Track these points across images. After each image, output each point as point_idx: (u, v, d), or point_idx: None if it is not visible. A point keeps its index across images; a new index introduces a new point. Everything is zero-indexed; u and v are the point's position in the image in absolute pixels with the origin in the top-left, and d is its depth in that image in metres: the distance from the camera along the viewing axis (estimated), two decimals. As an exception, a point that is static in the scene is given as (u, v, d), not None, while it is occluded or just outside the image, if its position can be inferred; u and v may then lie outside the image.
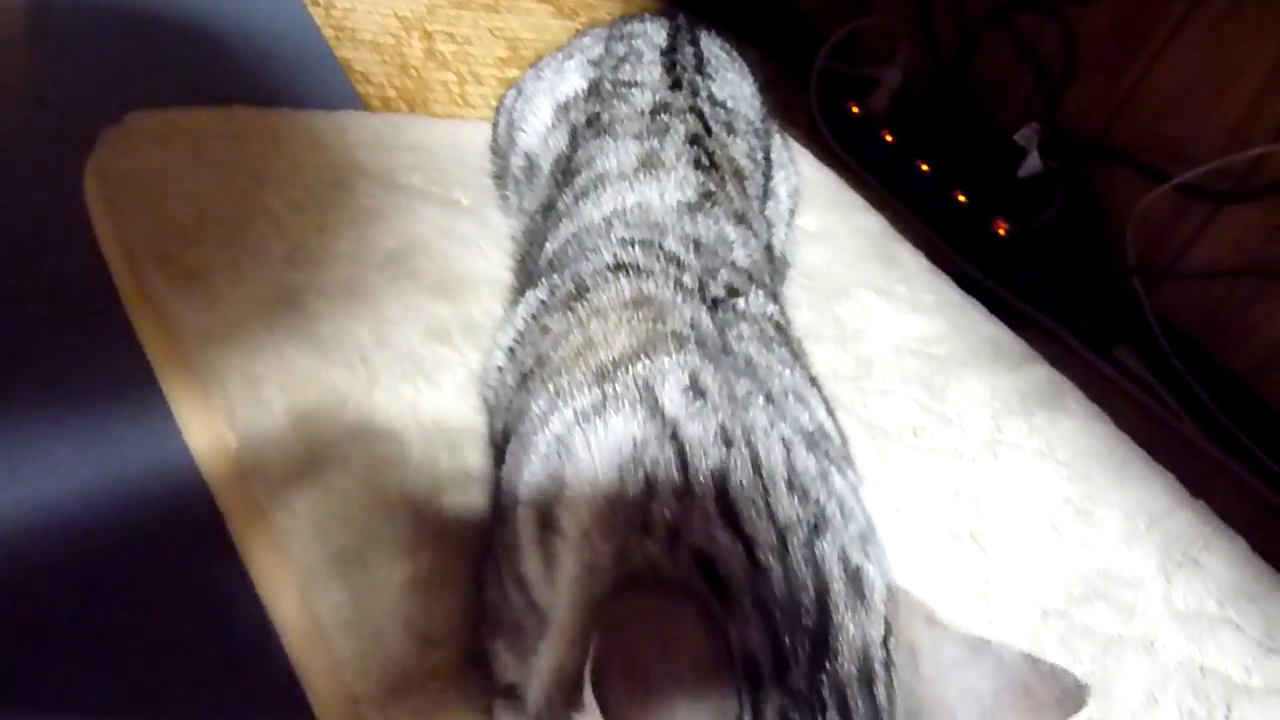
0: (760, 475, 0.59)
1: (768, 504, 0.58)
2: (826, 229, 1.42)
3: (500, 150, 1.12)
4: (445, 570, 0.74)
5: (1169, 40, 1.46)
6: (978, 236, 1.56)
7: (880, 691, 0.52)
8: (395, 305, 0.94)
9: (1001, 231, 1.55)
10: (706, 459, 0.59)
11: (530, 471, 0.64)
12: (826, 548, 0.57)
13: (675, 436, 0.61)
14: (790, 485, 0.60)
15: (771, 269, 0.94)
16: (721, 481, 0.59)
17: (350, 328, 0.89)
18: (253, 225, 0.95)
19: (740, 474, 0.59)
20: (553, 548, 0.61)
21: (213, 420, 0.78)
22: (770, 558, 0.55)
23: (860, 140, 1.71)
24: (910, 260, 1.44)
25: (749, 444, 0.61)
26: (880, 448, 1.10)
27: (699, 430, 0.61)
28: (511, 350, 0.78)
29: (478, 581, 0.70)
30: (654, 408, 0.63)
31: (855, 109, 1.75)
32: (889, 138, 1.70)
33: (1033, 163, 1.58)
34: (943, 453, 1.14)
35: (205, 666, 0.66)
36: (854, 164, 1.67)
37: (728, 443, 0.61)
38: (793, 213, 1.19)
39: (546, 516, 0.62)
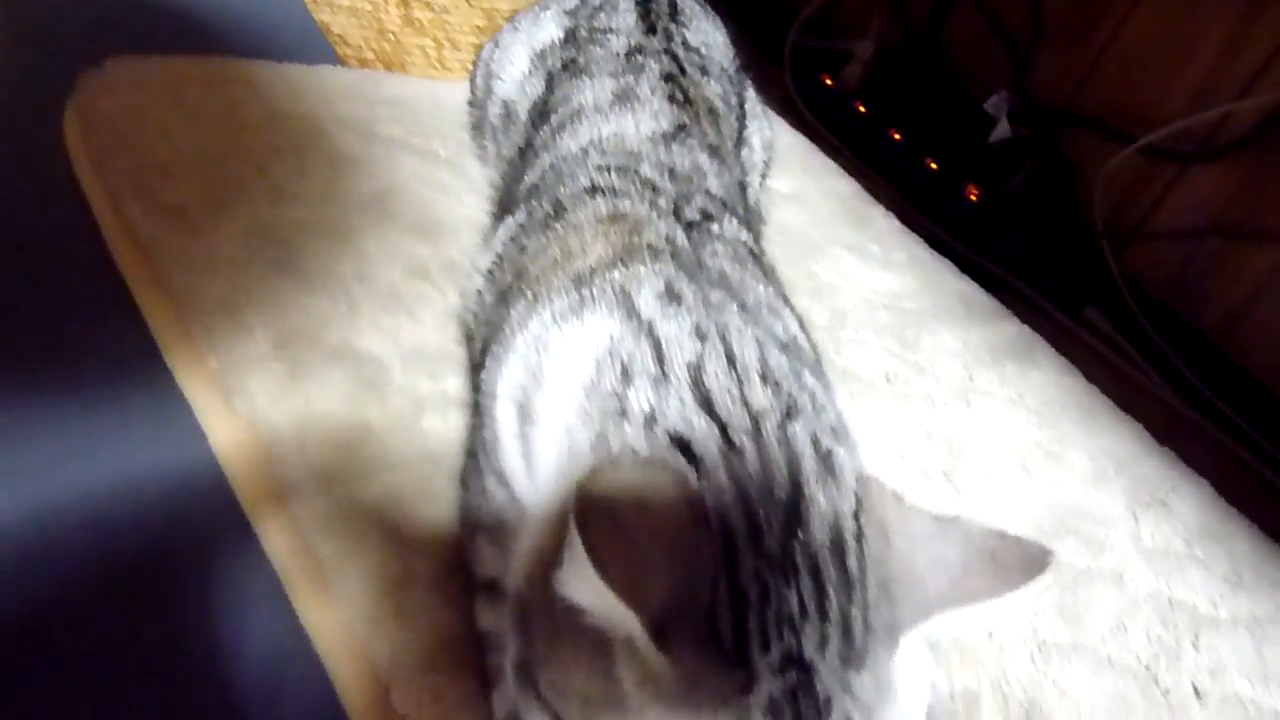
0: (734, 367, 0.61)
1: (742, 393, 0.60)
2: (800, 192, 1.44)
3: (478, 101, 1.14)
4: (425, 487, 0.75)
5: (1132, 6, 1.50)
6: (949, 202, 1.59)
7: (851, 561, 0.54)
8: (375, 244, 0.95)
9: (973, 197, 1.58)
10: (682, 352, 0.61)
11: (509, 369, 0.65)
12: (799, 430, 0.58)
13: (651, 333, 0.62)
14: (764, 378, 0.61)
15: (744, 204, 0.96)
16: (696, 372, 0.60)
17: (331, 262, 0.90)
18: (232, 166, 0.95)
19: (714, 366, 0.61)
20: (531, 439, 0.62)
21: (194, 345, 0.79)
22: (744, 439, 0.57)
23: (834, 112, 1.73)
24: (882, 222, 1.47)
25: (723, 340, 0.62)
26: (854, 392, 1.12)
27: (674, 328, 0.63)
28: (490, 272, 0.79)
29: (459, 487, 0.71)
30: (630, 310, 0.65)
31: (829, 81, 1.77)
32: (862, 109, 1.73)
33: (1002, 130, 1.61)
34: (915, 399, 1.16)
35: (187, 569, 0.67)
36: (828, 135, 1.69)
37: (702, 338, 0.62)
38: (767, 165, 1.21)
39: (525, 410, 0.63)
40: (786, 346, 0.69)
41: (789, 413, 0.60)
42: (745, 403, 0.59)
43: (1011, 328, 1.36)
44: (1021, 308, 1.47)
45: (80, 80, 0.97)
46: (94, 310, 0.82)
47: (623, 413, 0.58)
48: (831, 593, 0.53)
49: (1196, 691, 0.94)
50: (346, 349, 0.81)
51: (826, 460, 0.58)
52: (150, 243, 0.83)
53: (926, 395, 1.18)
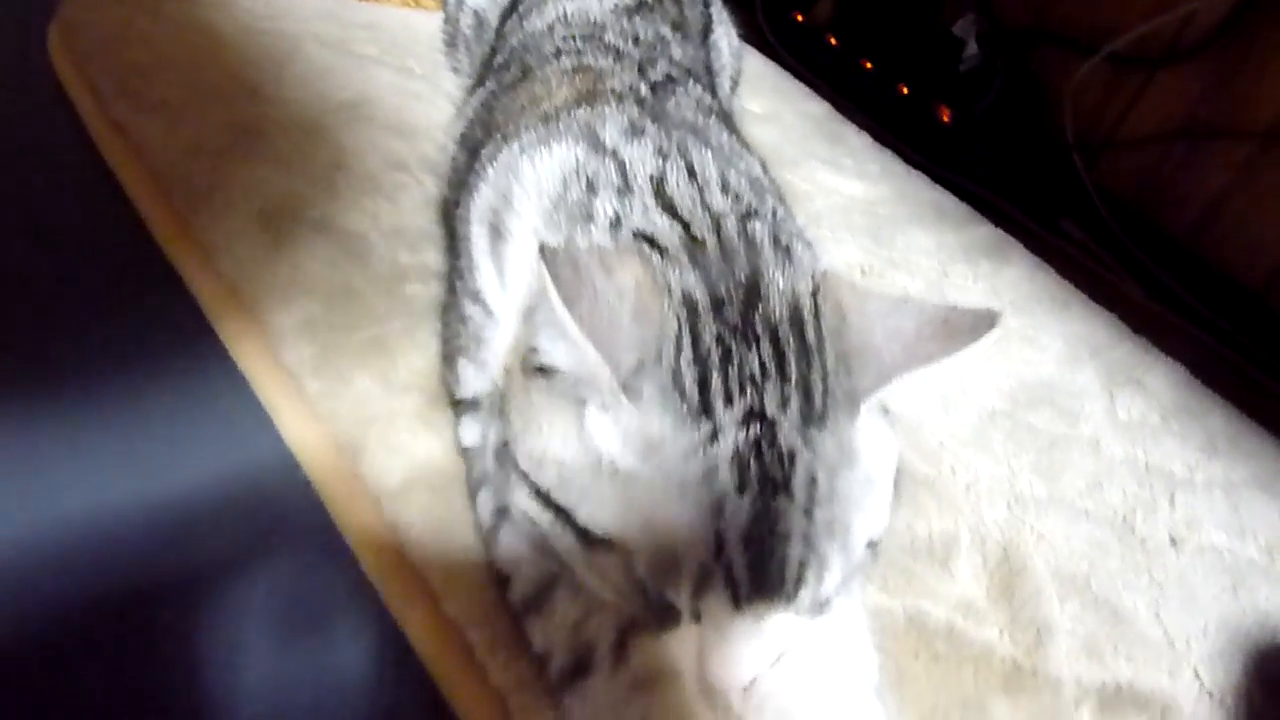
0: (695, 179, 0.64)
1: (702, 198, 0.62)
2: (774, 112, 1.47)
3: (450, 16, 1.17)
4: (409, 339, 0.77)
5: (1090, -82, 1.53)
6: (922, 125, 1.61)
7: (810, 332, 0.57)
8: (352, 139, 0.98)
9: (945, 118, 1.61)
10: (644, 168, 0.64)
11: (480, 196, 0.68)
12: (758, 227, 0.61)
13: (615, 155, 0.65)
14: (724, 188, 0.64)
15: (713, 90, 0.98)
16: (659, 183, 0.63)
17: (310, 153, 0.93)
18: (211, 72, 0.98)
19: (676, 177, 0.63)
20: (504, 255, 0.65)
21: (181, 222, 0.81)
22: (706, 233, 0.60)
23: (807, 47, 1.76)
24: (855, 139, 1.50)
25: (684, 157, 0.65)
26: (830, 283, 1.15)
27: (637, 151, 0.66)
28: (463, 136, 0.82)
29: (440, 323, 0.73)
30: (595, 140, 0.67)
31: (800, 18, 1.80)
32: (833, 41, 1.76)
33: (971, 52, 1.64)
34: (891, 290, 1.19)
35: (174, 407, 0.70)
36: (802, 70, 1.72)
37: (664, 157, 0.65)
38: (737, 74, 1.23)
39: (497, 228, 0.66)
40: (748, 176, 0.71)
41: (748, 214, 0.62)
42: (706, 206, 0.62)
43: (985, 230, 1.39)
44: (997, 222, 1.49)
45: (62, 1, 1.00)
46: (83, 205, 0.85)
47: (589, 218, 0.61)
48: (791, 358, 0.55)
49: (1173, 540, 0.97)
50: (327, 223, 0.84)
51: (785, 251, 0.60)
52: (135, 134, 0.86)
53: (901, 288, 1.20)
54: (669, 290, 0.54)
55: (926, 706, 0.69)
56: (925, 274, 1.24)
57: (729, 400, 0.53)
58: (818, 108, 1.52)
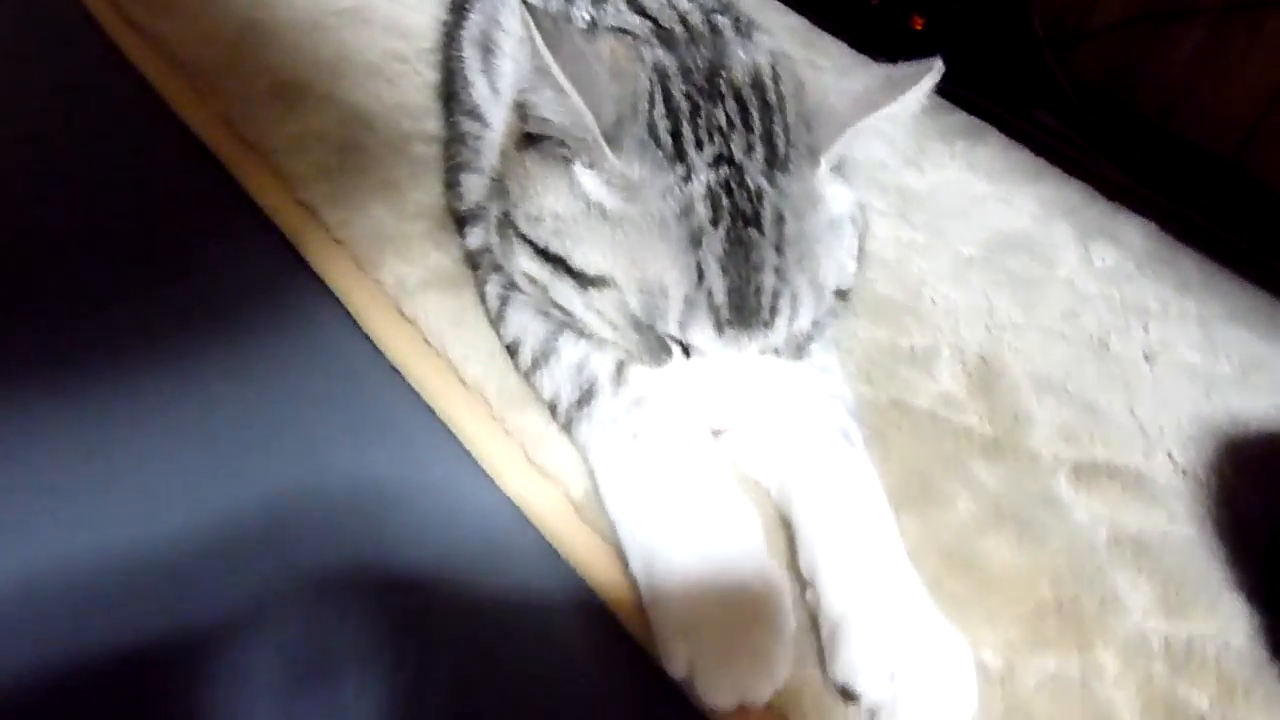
0: (664, -8, 0.70)
1: (671, 3, 0.69)
2: (752, 24, 1.54)
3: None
4: (416, 180, 0.84)
5: None
6: (896, 33, 1.67)
7: (770, 95, 0.63)
8: (354, 36, 1.05)
9: (918, 25, 1.67)
10: None
11: (469, 24, 0.75)
12: (722, 18, 0.68)
13: (590, -16, 0.72)
14: (691, -3, 0.71)
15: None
16: (631, -2, 0.70)
17: (312, 49, 1.00)
18: (218, -15, 1.06)
19: (646, -8, 0.70)
20: (494, 65, 0.72)
21: (203, 100, 0.89)
22: (674, 24, 0.66)
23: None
24: (832, 45, 1.56)
25: None
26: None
27: None
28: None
29: (443, 151, 0.80)
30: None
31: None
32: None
33: (940, -38, 1.69)
34: (868, 166, 1.24)
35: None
36: (776, -3, 1.77)
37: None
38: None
39: (486, 46, 0.73)
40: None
41: (713, 11, 0.69)
42: (673, 6, 0.69)
43: (960, 117, 1.45)
44: (973, 114, 1.55)
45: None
46: (106, 95, 0.92)
47: (567, 21, 0.68)
48: (754, 113, 0.62)
49: (1147, 357, 1.02)
50: (334, 97, 0.91)
51: (747, 32, 0.67)
52: (152, 31, 0.93)
53: (880, 162, 1.26)
54: (641, 59, 0.61)
55: (908, 460, 0.75)
56: (902, 152, 1.30)
57: (699, 146, 0.59)
58: (795, 20, 1.59)
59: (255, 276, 0.74)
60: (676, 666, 0.51)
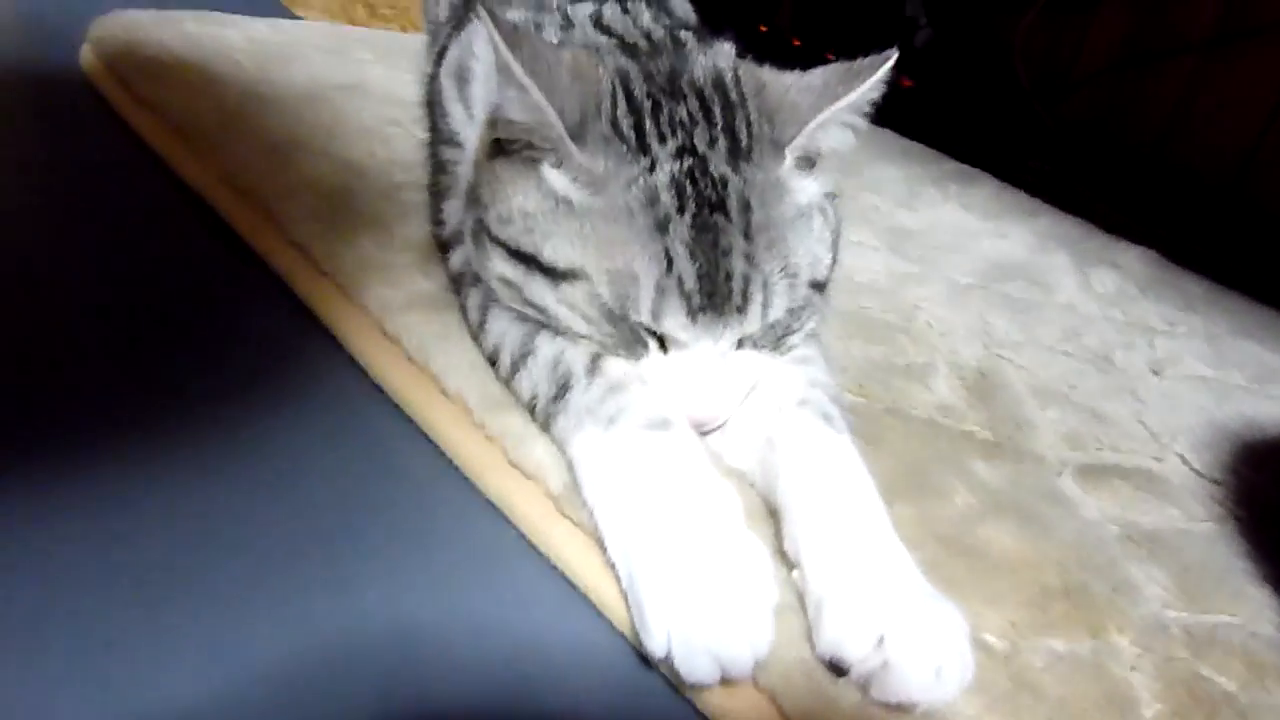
0: (627, 11, 0.74)
1: (634, 21, 0.72)
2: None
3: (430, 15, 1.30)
4: (404, 220, 0.87)
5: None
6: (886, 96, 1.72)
7: (732, 94, 0.65)
8: (351, 105, 1.10)
9: (906, 84, 1.72)
10: (582, 8, 0.74)
11: (449, 57, 0.78)
12: (685, 34, 0.70)
13: (559, 9, 0.75)
14: (655, 14, 0.74)
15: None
16: (596, 17, 0.73)
17: (312, 114, 1.05)
18: (220, 64, 1.12)
19: (611, 11, 0.73)
20: (469, 94, 0.75)
21: (201, 160, 0.92)
22: (638, 39, 0.69)
23: (773, 52, 1.89)
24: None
25: (619, 2, 0.75)
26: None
27: (580, 7, 0.76)
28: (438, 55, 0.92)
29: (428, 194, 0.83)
30: (542, 4, 0.78)
31: (764, 28, 1.94)
32: (796, 42, 1.89)
33: (924, 34, 1.76)
34: (859, 210, 1.26)
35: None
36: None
37: (600, 2, 0.75)
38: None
39: (462, 75, 0.75)
40: (681, 8, 0.81)
41: (677, 28, 0.72)
42: (638, 25, 0.72)
43: (952, 165, 1.48)
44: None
45: (93, 23, 1.15)
46: (113, 163, 0.97)
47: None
48: (716, 110, 0.63)
49: (1154, 371, 1.01)
50: (328, 153, 0.95)
51: (708, 42, 0.69)
52: (158, 105, 0.98)
53: (872, 206, 1.28)
54: (604, 65, 0.63)
55: (903, 458, 0.73)
56: (894, 195, 1.32)
57: (662, 140, 0.61)
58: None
59: (259, 325, 0.75)
60: (655, 644, 0.49)
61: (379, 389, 0.70)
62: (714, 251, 0.59)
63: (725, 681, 0.49)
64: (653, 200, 0.59)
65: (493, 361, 0.68)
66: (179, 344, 0.72)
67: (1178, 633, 0.62)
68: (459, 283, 0.74)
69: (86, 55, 1.11)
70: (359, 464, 0.65)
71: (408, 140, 1.05)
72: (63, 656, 0.48)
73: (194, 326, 0.74)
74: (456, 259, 0.74)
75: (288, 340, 0.74)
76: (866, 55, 0.65)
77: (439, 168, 0.79)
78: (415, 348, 0.70)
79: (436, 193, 0.80)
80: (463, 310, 0.72)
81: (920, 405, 0.83)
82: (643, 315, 0.59)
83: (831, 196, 0.68)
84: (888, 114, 1.72)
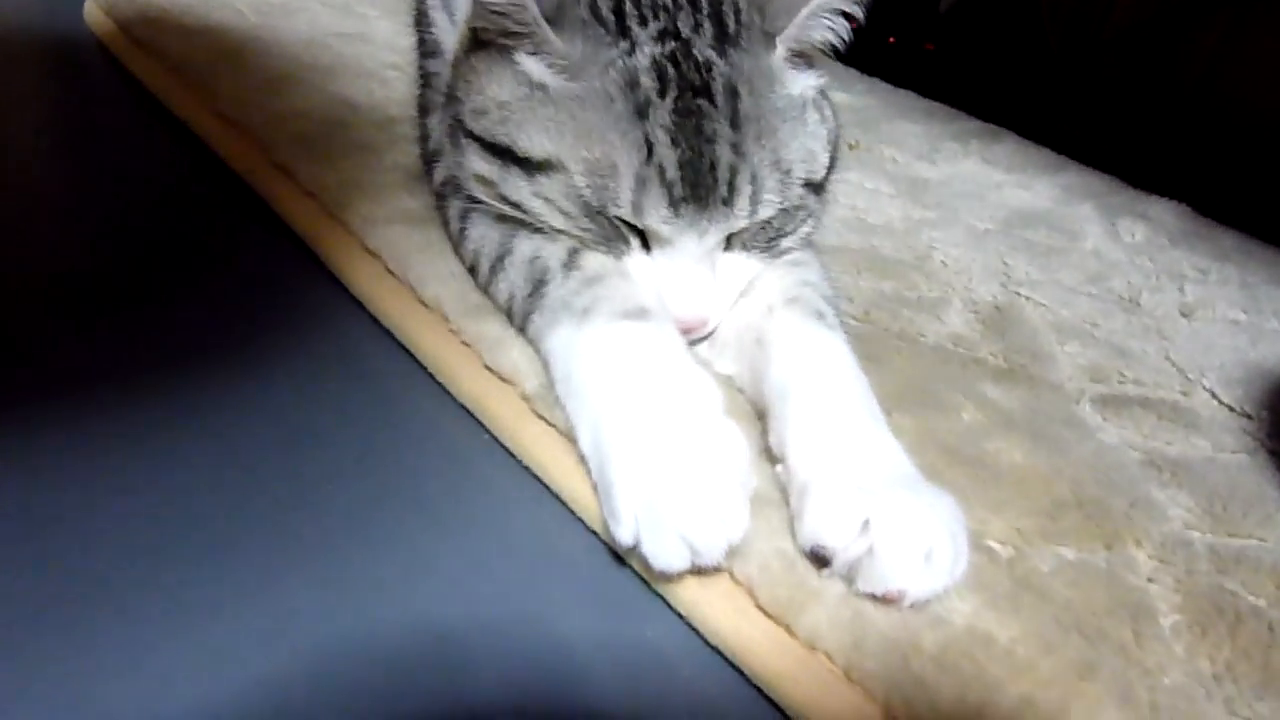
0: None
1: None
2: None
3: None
4: (394, 146, 0.84)
5: None
6: (911, 61, 1.68)
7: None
8: (351, 50, 1.08)
9: (930, 47, 1.67)
10: None
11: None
12: None
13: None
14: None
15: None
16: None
17: (311, 56, 1.03)
18: (221, 12, 1.11)
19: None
20: (452, 3, 0.72)
21: (196, 94, 0.91)
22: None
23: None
24: (841, 69, 1.56)
25: None
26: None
27: None
28: None
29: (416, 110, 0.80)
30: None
31: None
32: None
33: (949, -5, 1.72)
34: (877, 161, 1.22)
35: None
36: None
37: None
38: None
39: (447, 2, 0.73)
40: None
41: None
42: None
43: (975, 123, 1.42)
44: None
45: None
46: (113, 103, 0.96)
47: None
48: (702, -10, 0.60)
49: (1184, 313, 0.95)
50: (325, 89, 0.93)
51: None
52: (155, 46, 0.97)
53: (889, 158, 1.24)
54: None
55: (907, 376, 0.69)
56: (913, 149, 1.28)
57: (643, 22, 0.58)
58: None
59: (245, 250, 0.73)
60: (624, 530, 0.46)
61: (360, 305, 0.68)
62: (697, 139, 0.56)
63: (698, 570, 0.45)
64: (632, 84, 0.56)
65: (473, 270, 0.65)
66: (165, 270, 0.70)
67: (1201, 550, 0.58)
68: (442, 197, 0.71)
69: (90, 7, 1.10)
70: (336, 375, 0.63)
71: (407, 83, 1.02)
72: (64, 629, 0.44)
73: (181, 254, 0.72)
74: (440, 171, 0.72)
75: (271, 261, 0.72)
76: (889, 21, 0.61)
77: (424, 82, 0.77)
78: (395, 260, 0.67)
79: (422, 108, 0.77)
80: (444, 223, 0.70)
81: (930, 333, 0.79)
82: (622, 208, 0.56)
83: (826, 97, 0.64)
84: (910, 77, 1.68)
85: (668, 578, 0.46)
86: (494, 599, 0.48)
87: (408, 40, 1.16)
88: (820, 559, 0.46)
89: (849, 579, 0.46)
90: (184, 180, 0.82)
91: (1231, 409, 0.79)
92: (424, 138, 0.76)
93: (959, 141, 1.33)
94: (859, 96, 1.45)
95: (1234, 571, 0.56)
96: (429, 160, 0.75)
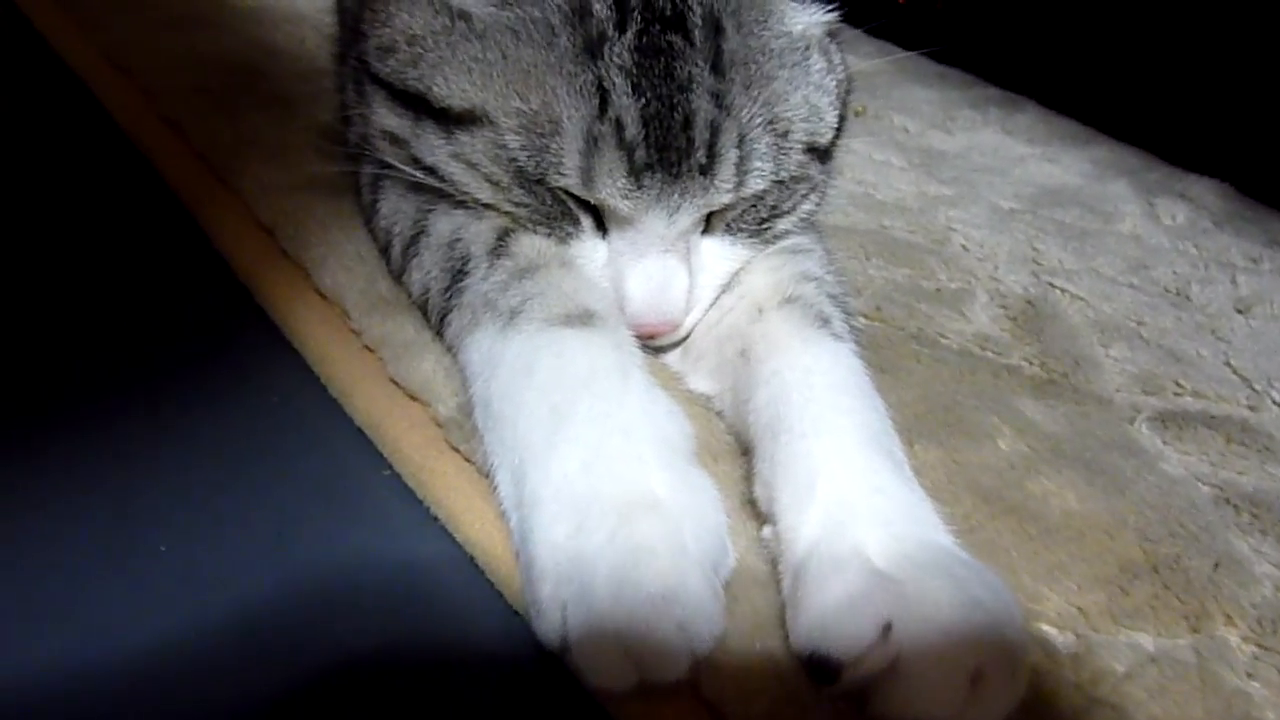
0: None
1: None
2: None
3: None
4: (315, 101, 0.70)
5: None
6: (920, 19, 1.53)
7: None
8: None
9: (939, 5, 1.53)
10: None
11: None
12: None
13: None
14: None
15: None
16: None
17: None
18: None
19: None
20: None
21: (129, 81, 0.77)
22: None
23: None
24: (847, 31, 1.42)
25: None
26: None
27: None
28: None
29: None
30: None
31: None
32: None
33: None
34: (887, 130, 1.09)
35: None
36: None
37: None
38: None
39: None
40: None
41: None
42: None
43: (994, 90, 1.29)
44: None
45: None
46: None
47: None
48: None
49: (1239, 310, 0.82)
50: (240, 32, 0.80)
51: None
52: (88, 21, 0.82)
53: (900, 127, 1.11)
54: None
55: (929, 393, 0.56)
56: (927, 116, 1.14)
57: None
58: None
59: (122, 215, 0.60)
60: (548, 626, 0.33)
61: (247, 290, 0.54)
62: (667, 85, 0.42)
63: (647, 687, 0.32)
64: (582, 10, 0.42)
65: (385, 251, 0.52)
66: (25, 239, 0.56)
67: (1307, 627, 0.45)
68: (356, 161, 0.57)
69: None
70: (213, 381, 0.49)
71: (346, 30, 0.88)
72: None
73: (47, 218, 0.58)
74: (356, 130, 0.58)
75: (148, 232, 0.58)
76: None
77: (342, 25, 0.62)
78: (290, 237, 0.53)
79: (340, 54, 0.63)
80: (356, 191, 0.56)
81: (953, 334, 0.66)
82: (567, 175, 0.42)
83: (834, 34, 0.51)
84: (919, 36, 1.53)
85: (606, 696, 0.33)
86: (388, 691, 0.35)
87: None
88: (822, 671, 0.33)
89: (862, 701, 0.32)
90: (62, 132, 0.68)
91: (1309, 427, 0.66)
92: (341, 88, 0.62)
93: (977, 109, 1.19)
94: (866, 60, 1.30)
95: (1351, 657, 0.43)
96: (347, 118, 0.61)
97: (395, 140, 0.47)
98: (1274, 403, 0.68)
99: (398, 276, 0.50)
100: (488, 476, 0.39)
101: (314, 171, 0.60)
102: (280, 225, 0.54)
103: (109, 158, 0.65)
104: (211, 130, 0.62)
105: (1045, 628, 0.39)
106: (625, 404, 0.37)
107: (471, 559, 0.40)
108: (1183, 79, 1.30)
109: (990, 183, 0.97)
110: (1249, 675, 0.41)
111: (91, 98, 0.71)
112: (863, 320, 0.64)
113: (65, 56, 0.75)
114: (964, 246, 0.82)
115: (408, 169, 0.47)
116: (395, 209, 0.50)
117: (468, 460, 0.41)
